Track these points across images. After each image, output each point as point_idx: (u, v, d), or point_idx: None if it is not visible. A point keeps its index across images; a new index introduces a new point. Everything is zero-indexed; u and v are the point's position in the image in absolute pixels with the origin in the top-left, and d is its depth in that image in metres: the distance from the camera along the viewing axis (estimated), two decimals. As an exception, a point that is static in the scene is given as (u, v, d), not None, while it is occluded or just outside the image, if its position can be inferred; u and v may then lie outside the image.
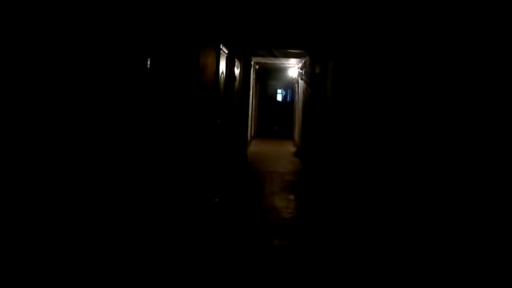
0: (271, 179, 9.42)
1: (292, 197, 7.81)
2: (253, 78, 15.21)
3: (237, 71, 10.62)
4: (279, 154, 13.49)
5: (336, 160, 7.43)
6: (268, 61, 14.91)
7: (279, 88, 22.36)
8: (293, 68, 15.52)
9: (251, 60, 12.19)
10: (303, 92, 12.73)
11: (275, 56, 13.21)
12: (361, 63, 5.92)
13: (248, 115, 13.31)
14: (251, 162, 11.65)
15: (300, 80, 14.59)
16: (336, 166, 7.39)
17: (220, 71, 7.64)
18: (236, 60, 10.28)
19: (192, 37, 5.30)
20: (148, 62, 3.77)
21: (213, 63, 6.83)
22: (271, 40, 9.73)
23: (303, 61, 12.52)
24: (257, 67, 16.44)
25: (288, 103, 21.94)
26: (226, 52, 8.33)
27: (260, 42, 10.07)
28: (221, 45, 7.45)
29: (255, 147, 14.84)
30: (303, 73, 12.88)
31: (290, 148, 15.25)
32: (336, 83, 7.49)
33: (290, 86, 20.40)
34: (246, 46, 10.65)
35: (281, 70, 17.70)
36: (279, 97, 26.04)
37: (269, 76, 20.17)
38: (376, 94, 5.08)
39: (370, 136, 5.27)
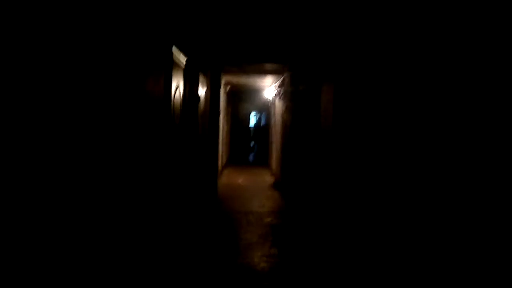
0: (247, 222, 7.51)
1: (274, 250, 5.92)
2: (223, 99, 13.42)
3: (202, 90, 8.78)
4: (256, 186, 11.61)
5: (336, 199, 5.64)
6: (240, 81, 13.17)
7: (253, 111, 20.62)
8: (268, 88, 13.81)
9: (220, 78, 10.40)
10: (282, 115, 10.98)
11: (247, 73, 11.48)
12: (373, 84, 4.24)
13: (218, 142, 11.44)
14: (223, 198, 9.73)
15: (277, 102, 12.86)
16: (336, 207, 5.59)
17: (174, 87, 5.77)
18: (201, 75, 8.44)
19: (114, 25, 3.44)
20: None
21: (158, 74, 4.92)
22: (245, 51, 7.94)
23: (282, 78, 10.83)
24: (228, 87, 14.68)
25: (262, 128, 20.19)
26: (184, 62, 6.47)
27: (230, 54, 8.27)
28: (173, 49, 5.58)
29: (227, 178, 12.93)
30: (281, 92, 11.16)
31: (267, 178, 13.41)
32: (339, 109, 5.75)
33: (265, 109, 18.68)
34: (214, 59, 8.84)
35: (255, 91, 15.97)
36: (253, 121, 24.32)
37: (242, 97, 18.42)
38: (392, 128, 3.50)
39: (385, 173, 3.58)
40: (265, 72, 10.82)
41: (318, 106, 7.18)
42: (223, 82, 12.63)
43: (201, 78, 8.38)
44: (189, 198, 7.37)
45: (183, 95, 6.59)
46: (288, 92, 9.73)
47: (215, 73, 9.83)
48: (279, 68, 10.13)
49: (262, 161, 17.69)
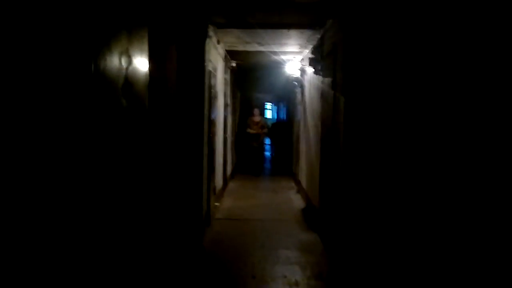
0: None
1: None
2: (221, 81, 8.85)
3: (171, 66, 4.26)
4: (275, 219, 7.06)
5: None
6: (249, 51, 8.59)
7: (269, 100, 15.92)
8: (293, 60, 9.17)
9: (204, 47, 5.90)
10: (321, 104, 6.40)
11: (258, 36, 6.95)
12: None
13: (214, 147, 6.92)
14: (217, 248, 5.24)
15: (308, 82, 8.24)
16: None
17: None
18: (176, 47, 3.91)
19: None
20: None
21: None
22: None
23: (319, 37, 6.24)
24: (233, 64, 10.12)
25: (283, 123, 15.56)
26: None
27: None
28: None
29: (232, 199, 8.41)
30: (317, 64, 6.56)
31: (293, 198, 8.84)
32: None
33: (286, 96, 14.02)
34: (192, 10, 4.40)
35: (272, 68, 11.25)
36: (269, 114, 19.69)
37: (253, 80, 13.75)
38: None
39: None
40: (288, 27, 6.23)
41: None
42: (221, 53, 8.06)
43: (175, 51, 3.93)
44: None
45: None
46: (331, 62, 5.14)
47: (197, 36, 5.33)
48: (313, 18, 5.58)
49: (283, 169, 13.08)
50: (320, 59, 6.28)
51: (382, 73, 3.95)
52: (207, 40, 5.81)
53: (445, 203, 2.78)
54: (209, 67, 6.20)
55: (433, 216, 2.94)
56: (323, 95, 6.09)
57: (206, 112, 5.69)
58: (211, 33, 6.06)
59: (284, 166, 13.39)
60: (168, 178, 4.08)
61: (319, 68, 6.38)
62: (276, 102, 17.49)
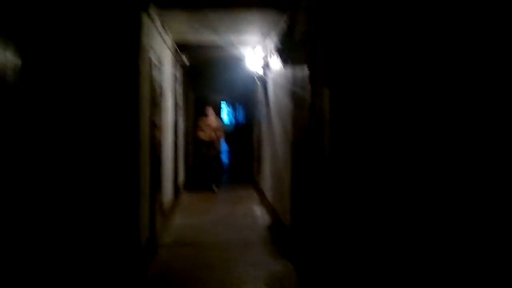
0: None
1: None
2: (177, 78, 7.57)
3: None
4: (237, 240, 5.85)
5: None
6: (201, 42, 7.37)
7: (225, 100, 14.68)
8: (252, 55, 8.01)
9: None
10: (291, 97, 5.28)
11: (211, 22, 5.80)
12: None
13: (159, 158, 5.68)
14: (164, 278, 4.01)
15: (270, 77, 7.11)
16: None
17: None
18: None
19: None
20: None
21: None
22: None
23: (287, 19, 5.10)
24: (185, 61, 8.85)
25: (243, 126, 14.40)
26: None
27: None
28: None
29: (183, 215, 7.13)
30: (285, 51, 5.43)
31: (256, 211, 7.67)
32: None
33: (245, 96, 12.86)
34: None
35: (228, 65, 10.01)
36: (225, 116, 18.53)
37: (207, 79, 12.45)
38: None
39: None
40: (246, 5, 5.07)
41: None
42: (168, 43, 6.79)
43: None
44: None
45: None
46: (308, 50, 4.00)
47: (129, 9, 4.07)
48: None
49: (243, 176, 11.89)
50: (290, 48, 5.14)
51: (383, 61, 2.88)
52: (146, 20, 4.55)
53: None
54: (151, 55, 4.94)
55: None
56: (295, 92, 4.95)
57: (145, 113, 4.42)
58: (152, 13, 4.80)
59: (243, 172, 12.20)
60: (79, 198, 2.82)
61: (289, 59, 5.24)
62: (233, 104, 16.28)
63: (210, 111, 9.63)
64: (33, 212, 3.13)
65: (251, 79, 9.15)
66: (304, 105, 4.40)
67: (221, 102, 16.08)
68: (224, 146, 13.72)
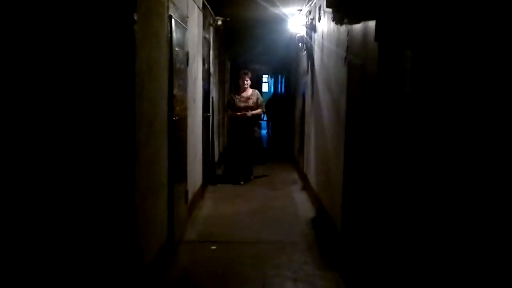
0: None
1: None
2: (207, 41, 6.46)
3: None
4: (273, 239, 4.84)
5: None
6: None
7: (266, 70, 13.47)
8: (296, 18, 6.78)
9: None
10: (344, 64, 4.12)
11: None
12: None
13: (181, 138, 4.69)
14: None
15: (316, 41, 5.91)
16: None
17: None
18: None
19: None
20: None
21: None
22: None
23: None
24: (219, 22, 7.75)
25: (283, 98, 13.27)
26: None
27: None
28: None
29: (213, 202, 6.19)
30: (336, 14, 4.25)
31: (297, 198, 6.63)
32: None
33: (287, 65, 11.66)
34: None
35: (269, 27, 8.74)
36: (265, 88, 17.46)
37: (244, 46, 11.28)
38: None
39: None
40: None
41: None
42: (197, 2, 5.70)
43: None
44: None
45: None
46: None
47: None
48: None
49: (283, 153, 10.83)
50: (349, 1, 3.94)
51: None
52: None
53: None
54: (171, 12, 3.89)
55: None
56: (353, 58, 3.80)
57: (154, 84, 3.40)
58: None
59: (283, 149, 11.14)
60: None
61: (346, 16, 4.06)
62: (274, 73, 15.06)
63: (245, 78, 7.65)
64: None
65: (294, 45, 7.95)
66: (366, 76, 3.26)
67: (261, 72, 14.93)
68: (263, 122, 12.61)
